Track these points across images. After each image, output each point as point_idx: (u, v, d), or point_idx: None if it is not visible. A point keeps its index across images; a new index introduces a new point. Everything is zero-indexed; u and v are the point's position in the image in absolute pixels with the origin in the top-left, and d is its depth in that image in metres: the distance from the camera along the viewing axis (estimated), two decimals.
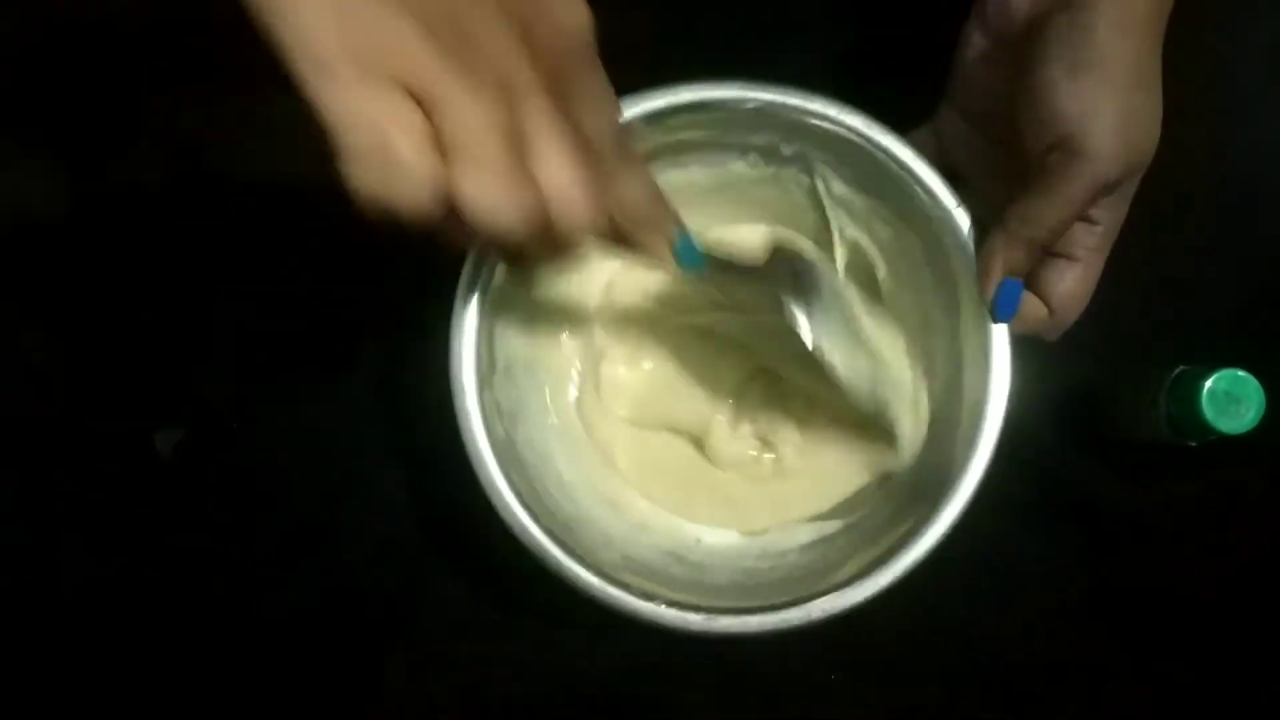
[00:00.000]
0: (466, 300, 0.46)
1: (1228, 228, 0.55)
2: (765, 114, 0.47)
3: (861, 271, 0.51)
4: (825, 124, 0.46)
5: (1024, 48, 0.42)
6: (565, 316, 0.53)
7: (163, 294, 0.56)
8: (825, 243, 0.52)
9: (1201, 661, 0.53)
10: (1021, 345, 0.45)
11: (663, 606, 0.44)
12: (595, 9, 0.33)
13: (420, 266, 0.53)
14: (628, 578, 0.46)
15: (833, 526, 0.50)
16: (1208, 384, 0.45)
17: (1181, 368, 0.47)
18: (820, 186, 0.50)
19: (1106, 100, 0.39)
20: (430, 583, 0.55)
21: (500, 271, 0.47)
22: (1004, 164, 0.45)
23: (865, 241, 0.51)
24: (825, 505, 0.51)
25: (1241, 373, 0.45)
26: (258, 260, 0.56)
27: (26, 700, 0.54)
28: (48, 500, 0.55)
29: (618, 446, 0.53)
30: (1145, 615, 0.53)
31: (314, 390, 0.56)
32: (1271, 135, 0.55)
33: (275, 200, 0.56)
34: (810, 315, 0.44)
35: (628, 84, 0.47)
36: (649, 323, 0.54)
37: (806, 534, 0.50)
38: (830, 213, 0.51)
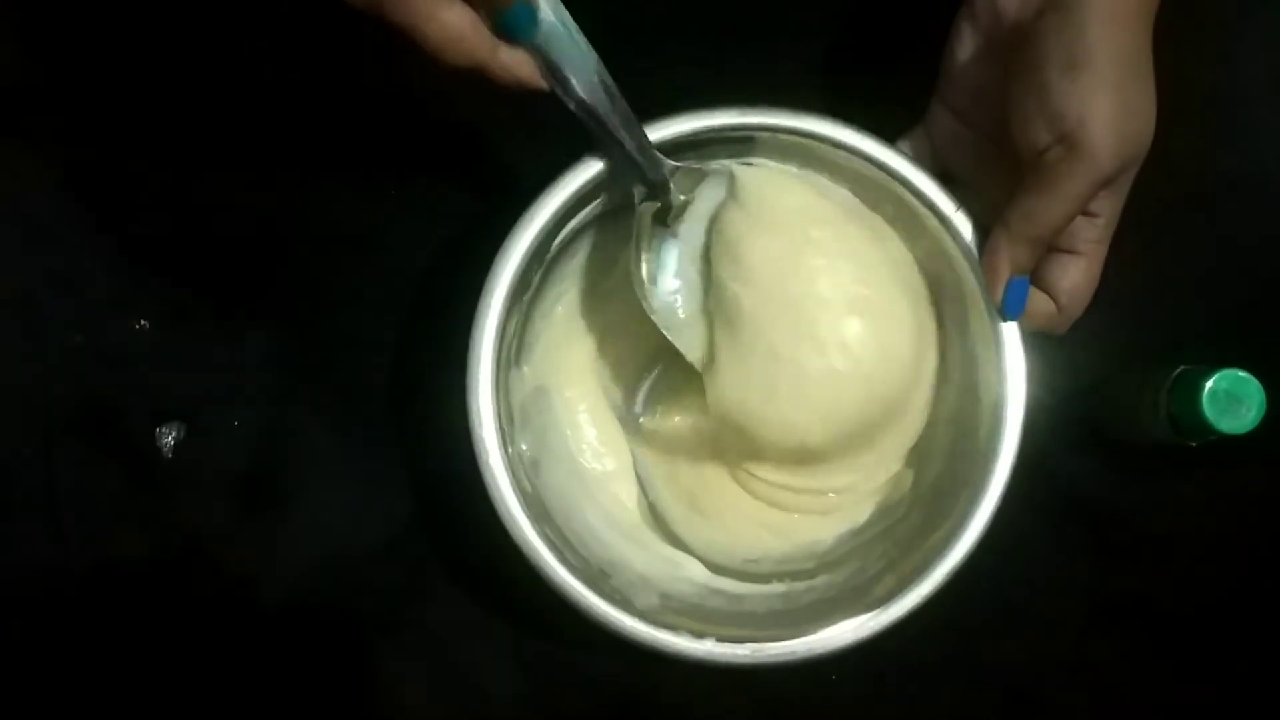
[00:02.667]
0: (480, 354, 0.45)
1: (1228, 227, 0.56)
2: (757, 139, 0.47)
3: None
4: (817, 142, 0.47)
5: (1015, 46, 0.42)
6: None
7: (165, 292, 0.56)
8: None
9: (1202, 662, 0.54)
10: (1024, 345, 0.46)
11: (710, 643, 0.45)
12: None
13: (435, 276, 0.55)
14: (670, 618, 0.46)
15: (864, 538, 0.51)
16: (1209, 384, 0.46)
17: (1182, 368, 0.48)
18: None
19: (1102, 96, 0.40)
20: (431, 583, 0.55)
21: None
22: (997, 160, 0.46)
23: None
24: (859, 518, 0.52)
25: (1242, 373, 0.46)
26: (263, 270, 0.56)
27: (27, 694, 0.54)
28: (49, 497, 0.55)
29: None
30: (1146, 615, 0.55)
31: (314, 392, 0.56)
32: (1272, 135, 0.56)
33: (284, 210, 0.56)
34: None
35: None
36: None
37: (838, 550, 0.51)
38: None
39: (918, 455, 0.51)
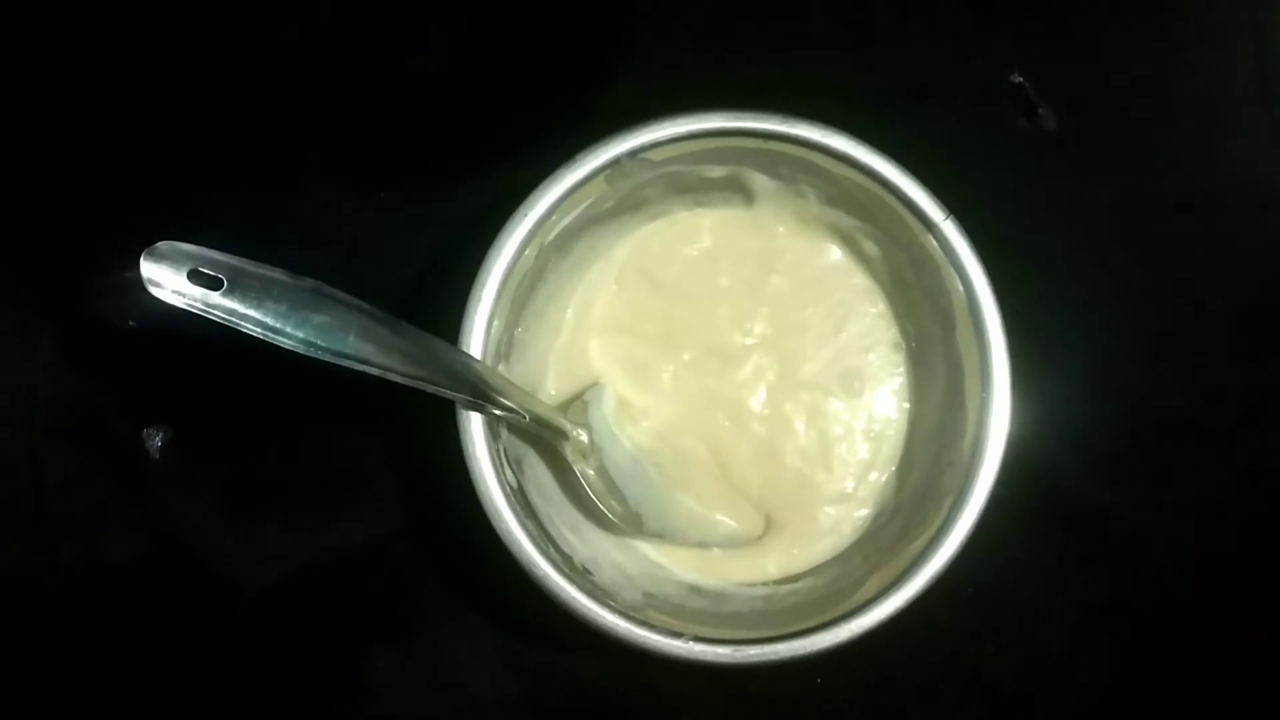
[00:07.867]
0: (469, 348, 0.46)
1: (1217, 231, 0.55)
2: (740, 146, 0.48)
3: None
4: (804, 148, 0.47)
5: None
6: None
7: None
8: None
9: (1191, 666, 0.54)
10: (1009, 351, 0.46)
11: (691, 643, 0.45)
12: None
13: (426, 275, 0.55)
14: (652, 616, 0.46)
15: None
16: None
17: None
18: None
19: None
20: (418, 585, 0.55)
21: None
22: None
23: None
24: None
25: None
26: None
27: (14, 694, 0.54)
28: (36, 497, 0.55)
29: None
30: (1134, 619, 0.54)
31: (302, 391, 0.55)
32: (1267, 141, 0.55)
33: (274, 213, 0.56)
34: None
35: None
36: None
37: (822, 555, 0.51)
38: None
39: (902, 463, 0.52)
